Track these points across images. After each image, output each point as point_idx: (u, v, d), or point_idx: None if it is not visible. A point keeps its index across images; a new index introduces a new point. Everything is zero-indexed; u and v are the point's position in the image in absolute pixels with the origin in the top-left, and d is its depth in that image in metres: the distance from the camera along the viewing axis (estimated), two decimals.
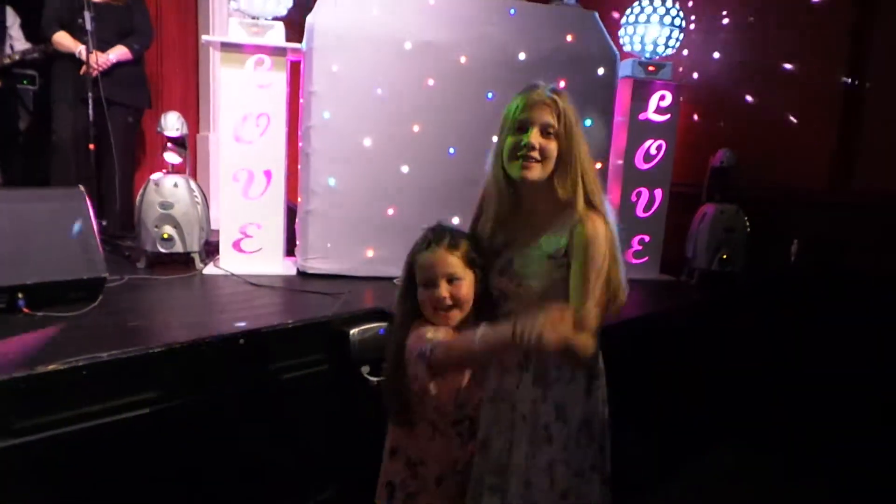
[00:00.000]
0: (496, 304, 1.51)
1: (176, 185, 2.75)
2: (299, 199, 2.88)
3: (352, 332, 2.19)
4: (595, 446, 1.51)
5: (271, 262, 2.87)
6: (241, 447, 1.95)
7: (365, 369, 2.22)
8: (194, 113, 4.23)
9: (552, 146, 1.44)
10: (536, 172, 1.44)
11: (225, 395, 1.90)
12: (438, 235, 1.48)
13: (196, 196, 2.80)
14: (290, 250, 2.97)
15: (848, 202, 2.99)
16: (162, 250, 2.74)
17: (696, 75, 3.74)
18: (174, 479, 1.81)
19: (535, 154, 1.43)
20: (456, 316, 1.48)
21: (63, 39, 3.27)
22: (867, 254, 2.81)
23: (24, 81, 3.80)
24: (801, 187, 3.17)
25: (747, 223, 3.17)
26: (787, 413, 2.73)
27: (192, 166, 4.20)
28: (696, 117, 3.74)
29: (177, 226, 2.74)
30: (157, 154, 3.12)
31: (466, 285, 1.47)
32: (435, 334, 1.42)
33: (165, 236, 2.72)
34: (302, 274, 2.84)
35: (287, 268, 2.90)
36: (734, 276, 3.15)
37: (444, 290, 1.45)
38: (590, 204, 1.45)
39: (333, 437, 2.19)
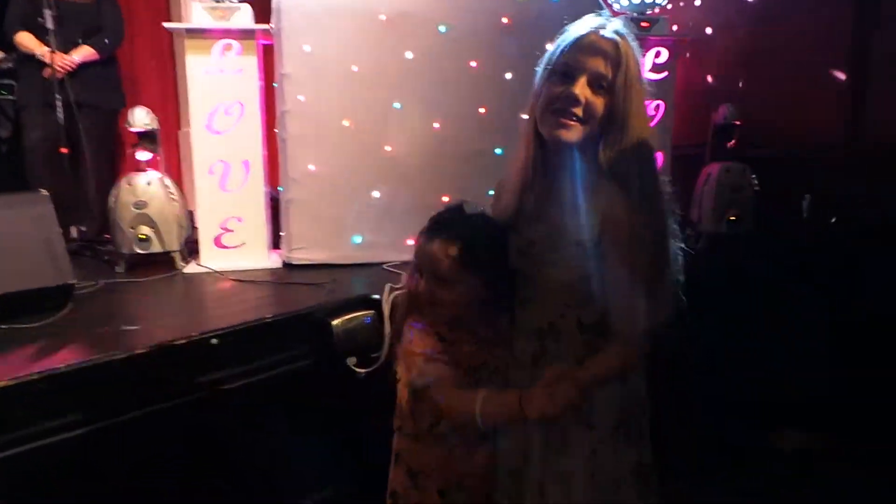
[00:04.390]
0: (515, 286, 1.31)
1: (149, 183, 2.62)
2: (280, 189, 2.75)
3: (334, 322, 2.07)
4: (636, 449, 1.30)
5: (256, 256, 2.75)
6: (229, 447, 1.84)
7: (351, 360, 2.10)
8: (174, 109, 4.09)
9: (600, 103, 1.15)
10: (575, 133, 1.16)
11: (202, 398, 1.79)
12: (445, 221, 1.30)
13: (172, 193, 2.67)
14: (277, 242, 2.84)
15: (861, 153, 2.81)
16: (140, 251, 2.63)
17: (698, 28, 3.54)
18: (161, 482, 1.70)
19: (578, 111, 1.14)
20: (441, 314, 1.32)
21: (26, 41, 3.15)
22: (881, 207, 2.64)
23: (3, 92, 3.68)
24: (811, 140, 2.99)
25: (755, 181, 2.99)
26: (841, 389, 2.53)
27: (175, 164, 4.11)
28: (695, 72, 3.55)
29: (153, 225, 2.61)
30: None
31: (454, 292, 1.28)
32: (427, 366, 1.26)
33: (142, 237, 2.60)
34: (288, 266, 2.72)
35: (273, 261, 2.78)
36: (744, 238, 2.98)
37: (428, 285, 1.29)
38: (640, 183, 1.16)
39: (327, 432, 2.08)
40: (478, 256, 1.27)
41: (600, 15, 1.21)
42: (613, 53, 1.15)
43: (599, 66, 1.15)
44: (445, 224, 1.29)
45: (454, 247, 1.26)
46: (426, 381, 1.24)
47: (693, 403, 2.40)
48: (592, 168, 1.17)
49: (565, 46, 1.17)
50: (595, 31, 1.17)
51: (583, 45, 1.16)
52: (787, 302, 2.60)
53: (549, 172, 1.25)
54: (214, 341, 1.83)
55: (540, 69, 1.23)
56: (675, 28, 3.48)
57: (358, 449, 2.03)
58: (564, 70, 1.16)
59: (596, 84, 1.15)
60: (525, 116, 1.28)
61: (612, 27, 1.18)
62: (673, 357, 1.71)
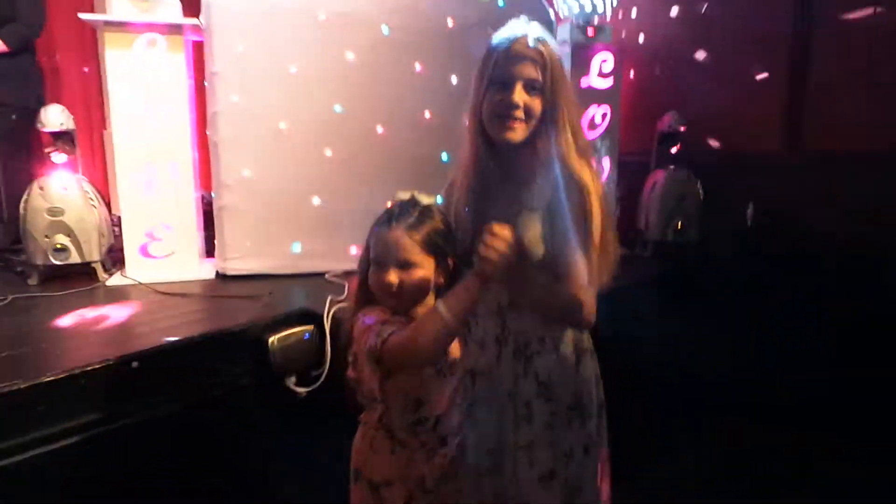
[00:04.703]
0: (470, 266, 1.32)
1: (65, 188, 2.41)
2: (213, 195, 2.58)
3: (271, 339, 1.93)
4: (590, 426, 1.41)
5: (186, 267, 2.57)
6: (156, 479, 1.68)
7: (290, 380, 1.97)
8: (98, 109, 3.83)
9: (536, 104, 1.31)
10: (520, 133, 1.31)
11: (121, 429, 1.63)
12: (403, 211, 1.31)
13: (91, 198, 2.46)
14: (212, 250, 2.67)
15: (800, 163, 2.86)
16: (56, 262, 2.41)
17: (641, 36, 3.55)
18: None
19: (519, 114, 1.30)
20: (404, 305, 1.31)
21: None
22: (819, 213, 2.70)
23: None
24: (753, 149, 3.02)
25: (700, 189, 3.00)
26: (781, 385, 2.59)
27: (101, 167, 3.85)
28: (640, 81, 3.55)
29: (70, 234, 2.40)
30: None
31: (421, 273, 1.30)
32: (385, 327, 1.25)
33: (59, 246, 2.39)
34: (222, 277, 2.55)
35: (206, 271, 2.60)
36: (690, 246, 2.99)
37: (392, 275, 1.29)
38: (582, 158, 1.33)
39: (266, 457, 1.94)
40: (441, 239, 1.32)
41: (528, 22, 1.35)
42: (539, 59, 1.30)
43: (531, 72, 1.30)
44: (402, 212, 1.31)
45: (417, 232, 1.29)
46: (387, 333, 1.23)
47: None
48: (535, 160, 1.34)
49: (498, 58, 1.31)
50: (520, 41, 1.31)
51: (513, 57, 1.31)
52: (735, 309, 2.62)
53: (501, 168, 1.39)
54: (135, 365, 1.66)
55: (475, 77, 1.36)
56: (622, 36, 3.49)
57: (299, 470, 1.91)
58: (502, 80, 1.31)
59: (530, 87, 1.31)
60: (466, 120, 1.40)
61: (533, 35, 1.32)
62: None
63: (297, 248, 2.60)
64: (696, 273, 2.79)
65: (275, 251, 2.58)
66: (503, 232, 1.17)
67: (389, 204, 1.36)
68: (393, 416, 1.33)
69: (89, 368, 1.58)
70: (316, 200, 2.58)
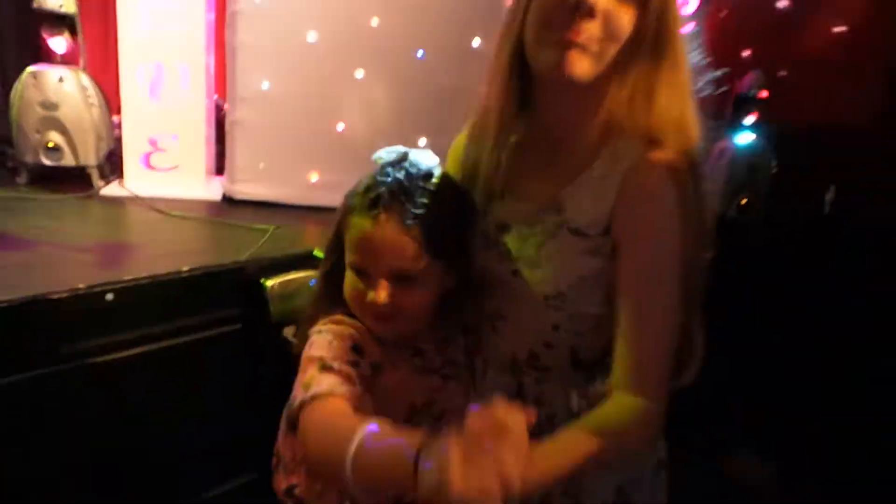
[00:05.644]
0: (480, 290, 0.93)
1: (61, 80, 2.13)
2: (226, 106, 2.30)
3: (270, 283, 1.69)
4: None
5: (191, 184, 2.32)
6: (136, 426, 1.48)
7: (289, 332, 1.74)
8: None
9: (626, 17, 0.77)
10: (586, 66, 0.78)
11: (87, 365, 1.41)
12: (396, 189, 0.85)
13: (90, 95, 2.19)
14: (223, 168, 2.40)
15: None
16: (47, 163, 2.17)
17: None
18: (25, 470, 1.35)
19: (593, 27, 0.76)
20: (398, 328, 0.90)
21: None
22: None
23: None
24: (844, 123, 2.63)
25: (775, 163, 2.64)
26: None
27: (114, 59, 3.55)
28: (723, 33, 3.12)
29: (64, 132, 2.15)
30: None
31: (425, 290, 0.88)
32: (322, 376, 0.81)
33: (51, 145, 2.14)
34: (229, 200, 2.30)
35: (213, 191, 2.35)
36: (753, 226, 2.65)
37: (382, 292, 0.85)
38: (673, 141, 0.82)
39: (255, 411, 1.74)
40: (457, 232, 0.90)
41: None
42: None
43: None
44: (399, 192, 0.85)
45: (421, 227, 0.84)
46: (314, 393, 0.78)
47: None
48: (597, 118, 0.84)
49: None
50: None
51: None
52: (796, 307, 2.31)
53: (541, 123, 0.90)
54: (110, 297, 1.43)
55: None
56: None
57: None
58: None
59: None
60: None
61: None
62: None
63: (314, 177, 2.33)
64: (756, 258, 2.47)
65: (289, 178, 2.31)
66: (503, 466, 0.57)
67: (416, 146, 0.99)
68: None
69: (54, 296, 1.36)
70: (340, 126, 2.29)
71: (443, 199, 0.87)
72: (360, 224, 0.86)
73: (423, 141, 2.16)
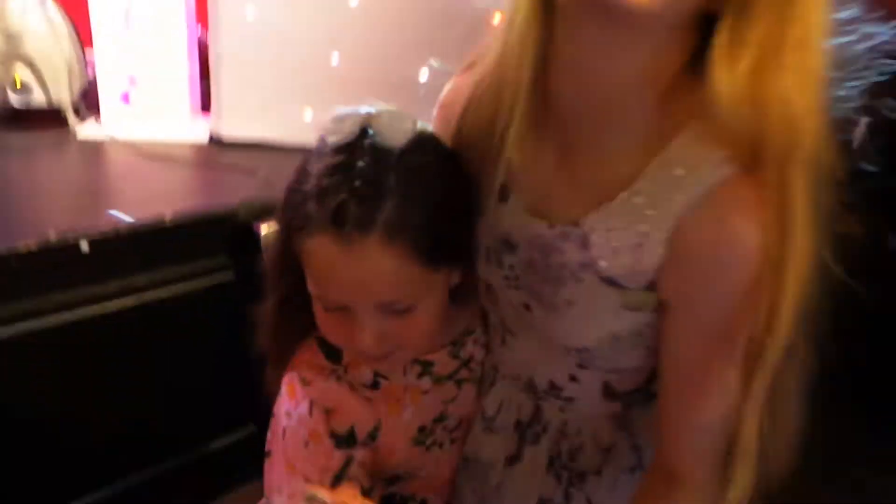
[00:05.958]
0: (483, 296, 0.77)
1: (25, 8, 1.93)
2: (209, 38, 2.11)
3: (263, 229, 1.56)
4: None
5: (174, 124, 2.14)
6: (125, 381, 1.37)
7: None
8: None
9: None
10: None
11: (62, 322, 1.29)
12: (362, 195, 0.60)
13: (60, 26, 1.99)
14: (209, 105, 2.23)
15: None
16: (15, 104, 1.99)
17: None
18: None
19: None
20: (401, 359, 0.74)
21: None
22: None
23: None
24: None
25: None
26: None
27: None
28: None
29: (33, 67, 1.96)
30: None
31: (426, 310, 0.67)
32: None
33: (17, 82, 1.96)
34: (217, 142, 2.13)
35: (199, 132, 2.18)
36: None
37: (369, 335, 0.64)
38: (777, 154, 0.52)
39: (251, 363, 1.63)
40: (447, 233, 0.66)
41: None
42: None
43: None
44: (361, 197, 0.60)
45: (409, 234, 0.60)
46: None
47: None
48: (670, 108, 0.56)
49: None
50: None
51: None
52: None
53: (576, 86, 0.59)
54: (85, 248, 1.29)
55: None
56: None
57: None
58: None
59: None
60: None
61: None
62: None
63: (308, 115, 2.16)
64: None
65: (281, 116, 2.13)
66: None
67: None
68: None
69: (22, 249, 1.21)
70: (335, 59, 2.10)
71: (433, 178, 0.63)
72: (322, 250, 0.61)
73: (423, 77, 1.98)
